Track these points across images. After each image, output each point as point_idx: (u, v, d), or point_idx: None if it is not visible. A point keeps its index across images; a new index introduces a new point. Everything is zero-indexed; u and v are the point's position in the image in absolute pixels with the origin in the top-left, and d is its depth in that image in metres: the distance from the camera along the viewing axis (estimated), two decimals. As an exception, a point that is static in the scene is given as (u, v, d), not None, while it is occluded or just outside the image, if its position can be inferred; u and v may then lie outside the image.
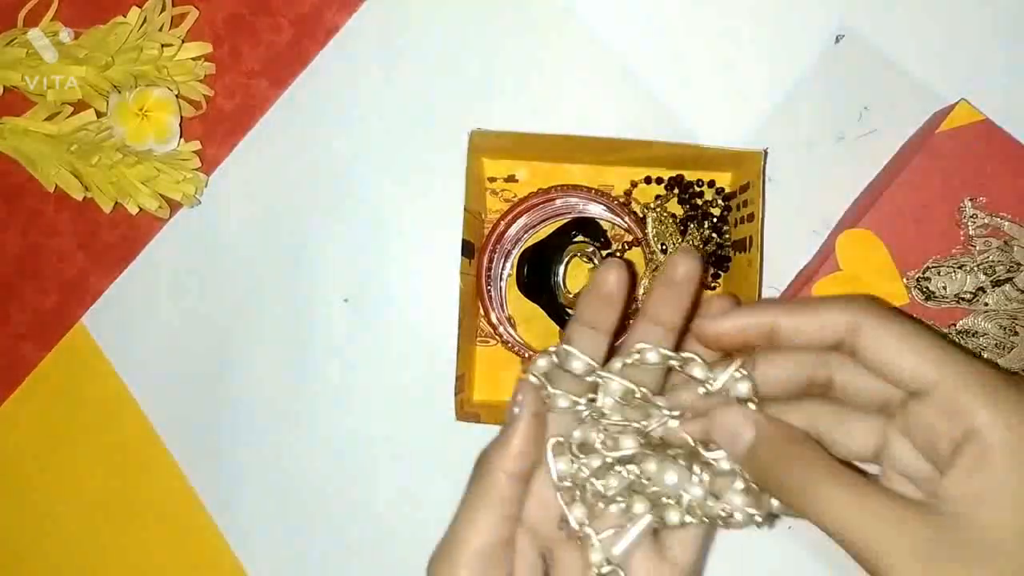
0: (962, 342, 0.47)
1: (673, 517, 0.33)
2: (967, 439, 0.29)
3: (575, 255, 0.53)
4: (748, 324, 0.33)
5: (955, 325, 0.47)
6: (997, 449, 0.29)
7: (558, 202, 0.53)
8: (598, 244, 0.53)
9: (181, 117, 0.54)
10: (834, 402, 0.34)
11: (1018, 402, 0.29)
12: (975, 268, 0.47)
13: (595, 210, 0.53)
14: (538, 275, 0.53)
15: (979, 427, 0.29)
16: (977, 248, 0.47)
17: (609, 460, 0.33)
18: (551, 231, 0.53)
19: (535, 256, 0.53)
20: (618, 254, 0.53)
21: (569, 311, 0.53)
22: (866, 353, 0.31)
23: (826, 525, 0.30)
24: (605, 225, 0.53)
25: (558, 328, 0.53)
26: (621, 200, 0.53)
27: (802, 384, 0.34)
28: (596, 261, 0.53)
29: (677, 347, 0.35)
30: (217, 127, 0.56)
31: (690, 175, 0.53)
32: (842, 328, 0.32)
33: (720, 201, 0.53)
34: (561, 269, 0.53)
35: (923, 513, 0.29)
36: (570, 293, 0.53)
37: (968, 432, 0.29)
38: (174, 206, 0.55)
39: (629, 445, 0.33)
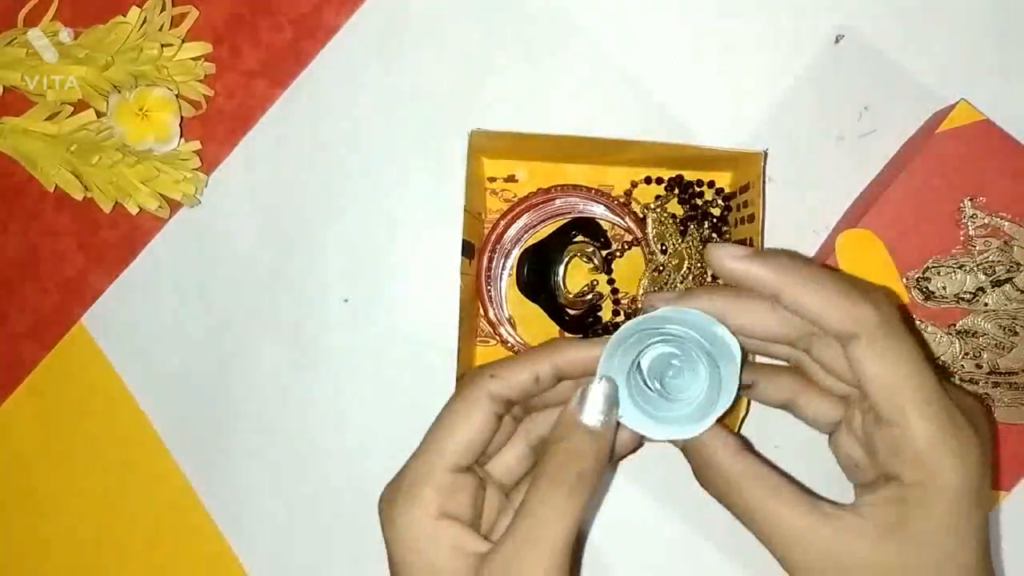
0: (962, 342, 0.47)
1: None
2: (897, 479, 0.31)
3: (575, 255, 0.53)
4: (756, 275, 0.34)
5: (955, 325, 0.47)
6: (921, 503, 0.31)
7: (558, 202, 0.53)
8: (598, 244, 0.53)
9: (181, 117, 0.54)
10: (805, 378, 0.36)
11: (967, 465, 0.31)
12: (975, 268, 0.47)
13: (595, 210, 0.53)
14: (538, 275, 0.53)
15: (912, 482, 0.31)
16: (977, 248, 0.47)
17: None
18: (551, 231, 0.53)
19: (535, 256, 0.53)
20: (618, 254, 0.53)
21: (569, 311, 0.53)
22: (854, 364, 0.32)
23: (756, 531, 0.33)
24: (605, 225, 0.53)
25: (558, 328, 0.53)
26: (621, 200, 0.53)
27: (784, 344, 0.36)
28: (596, 261, 0.53)
29: None
30: (217, 127, 0.56)
31: (690, 175, 0.53)
32: (839, 332, 0.32)
33: (720, 201, 0.53)
34: (561, 269, 0.53)
35: (832, 527, 0.32)
36: (570, 293, 0.53)
37: (901, 475, 0.31)
38: (174, 206, 0.55)
39: None
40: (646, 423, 0.36)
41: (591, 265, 0.53)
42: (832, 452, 0.36)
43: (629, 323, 0.35)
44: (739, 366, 0.34)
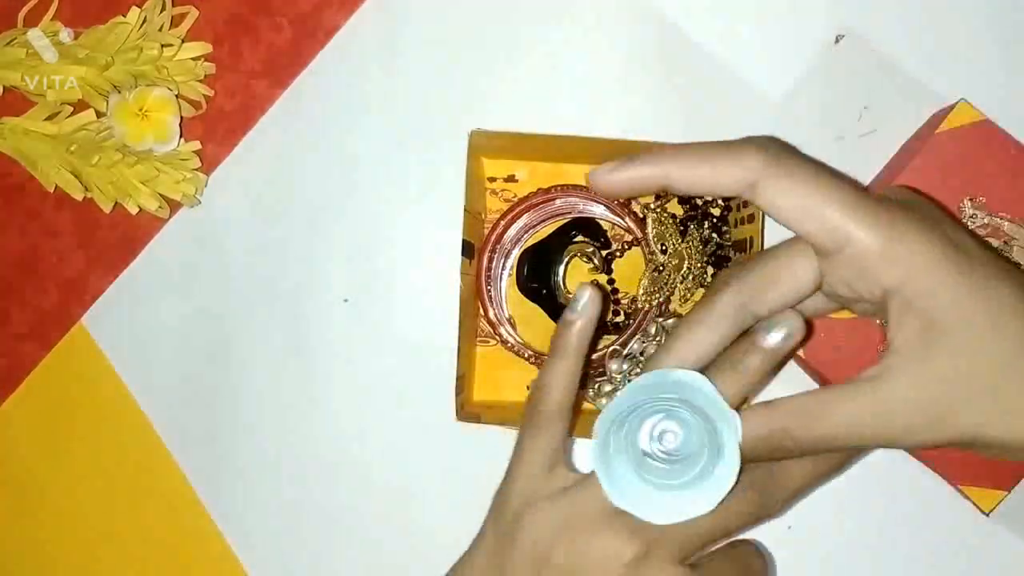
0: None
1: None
2: (888, 295, 0.30)
3: (575, 255, 0.53)
4: (640, 176, 0.33)
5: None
6: (919, 297, 0.30)
7: (558, 202, 0.53)
8: (598, 244, 0.53)
9: (181, 117, 0.54)
10: None
11: (931, 246, 0.30)
12: (975, 268, 0.46)
13: (595, 210, 0.53)
14: (538, 275, 0.53)
15: (893, 287, 0.30)
16: (977, 248, 0.46)
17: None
18: (551, 231, 0.53)
19: (535, 256, 0.53)
20: (618, 254, 0.53)
21: (569, 311, 0.53)
22: (768, 211, 0.31)
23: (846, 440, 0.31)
24: (605, 225, 0.53)
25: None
26: (621, 200, 0.53)
27: None
28: (596, 261, 0.53)
29: None
30: (217, 127, 0.56)
31: (690, 175, 0.53)
32: (739, 183, 0.31)
33: (720, 201, 0.53)
34: (561, 269, 0.53)
35: (885, 384, 0.30)
36: (570, 293, 0.53)
37: (885, 291, 0.30)
38: (174, 206, 0.55)
39: None
40: (670, 500, 0.34)
41: (591, 265, 0.53)
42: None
43: (605, 412, 0.34)
44: (720, 394, 0.33)
